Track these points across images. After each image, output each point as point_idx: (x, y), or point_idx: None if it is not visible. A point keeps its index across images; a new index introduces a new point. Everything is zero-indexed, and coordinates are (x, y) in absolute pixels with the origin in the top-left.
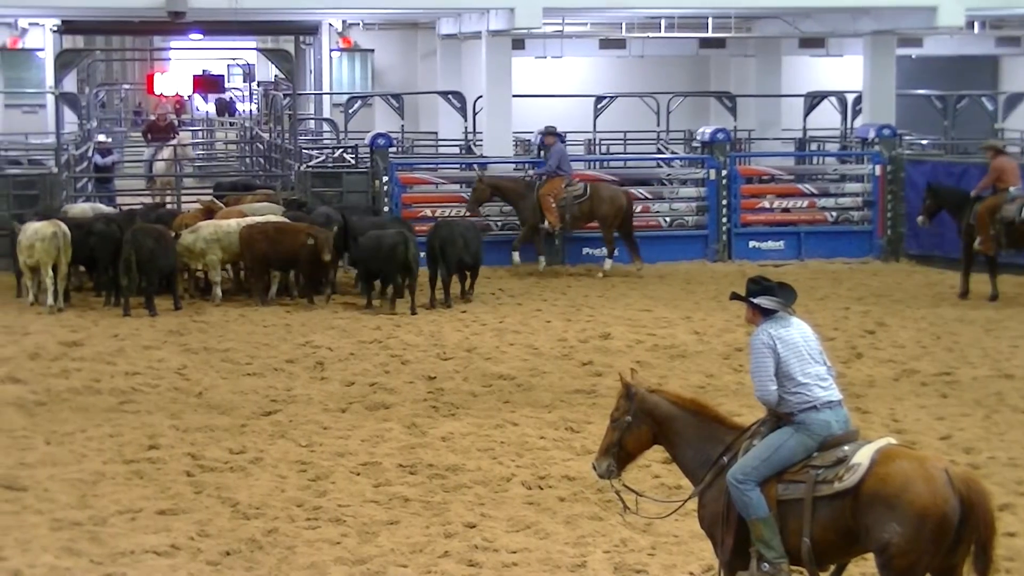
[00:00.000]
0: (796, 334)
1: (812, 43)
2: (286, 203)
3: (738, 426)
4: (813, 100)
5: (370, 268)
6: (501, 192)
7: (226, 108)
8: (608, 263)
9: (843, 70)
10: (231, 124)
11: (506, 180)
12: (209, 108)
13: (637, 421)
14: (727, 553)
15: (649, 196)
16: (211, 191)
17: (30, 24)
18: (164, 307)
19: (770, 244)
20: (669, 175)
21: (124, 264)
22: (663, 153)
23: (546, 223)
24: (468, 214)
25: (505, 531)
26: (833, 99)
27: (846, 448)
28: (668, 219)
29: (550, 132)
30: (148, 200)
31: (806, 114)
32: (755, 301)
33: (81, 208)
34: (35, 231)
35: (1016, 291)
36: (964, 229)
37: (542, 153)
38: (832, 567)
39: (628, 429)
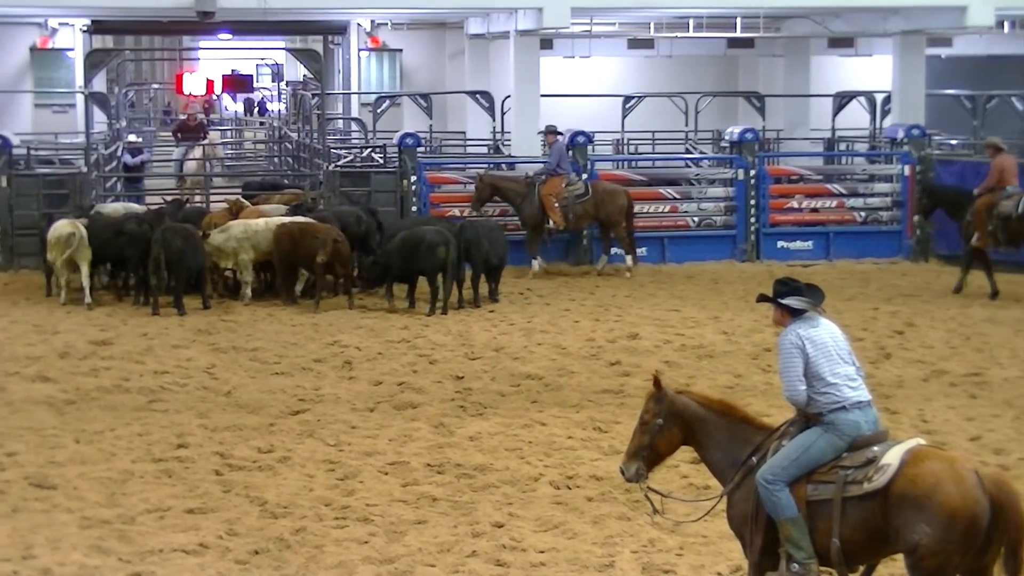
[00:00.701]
0: (825, 334)
1: (841, 43)
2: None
3: (767, 427)
4: (842, 100)
5: (410, 268)
6: (501, 192)
7: (257, 108)
8: (603, 260)
9: (872, 70)
10: (260, 124)
11: (507, 180)
12: (238, 108)
13: (668, 423)
14: (756, 553)
15: (677, 196)
16: (239, 190)
17: (60, 24)
18: (193, 306)
19: (798, 244)
20: (697, 175)
21: (153, 263)
22: (691, 153)
23: (550, 223)
24: (473, 213)
25: (533, 531)
26: (862, 99)
27: (876, 449)
28: (696, 219)
29: (551, 131)
30: (173, 197)
31: (835, 114)
32: (783, 302)
33: (113, 207)
34: (53, 230)
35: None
36: (963, 227)
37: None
38: (861, 568)
39: (659, 431)
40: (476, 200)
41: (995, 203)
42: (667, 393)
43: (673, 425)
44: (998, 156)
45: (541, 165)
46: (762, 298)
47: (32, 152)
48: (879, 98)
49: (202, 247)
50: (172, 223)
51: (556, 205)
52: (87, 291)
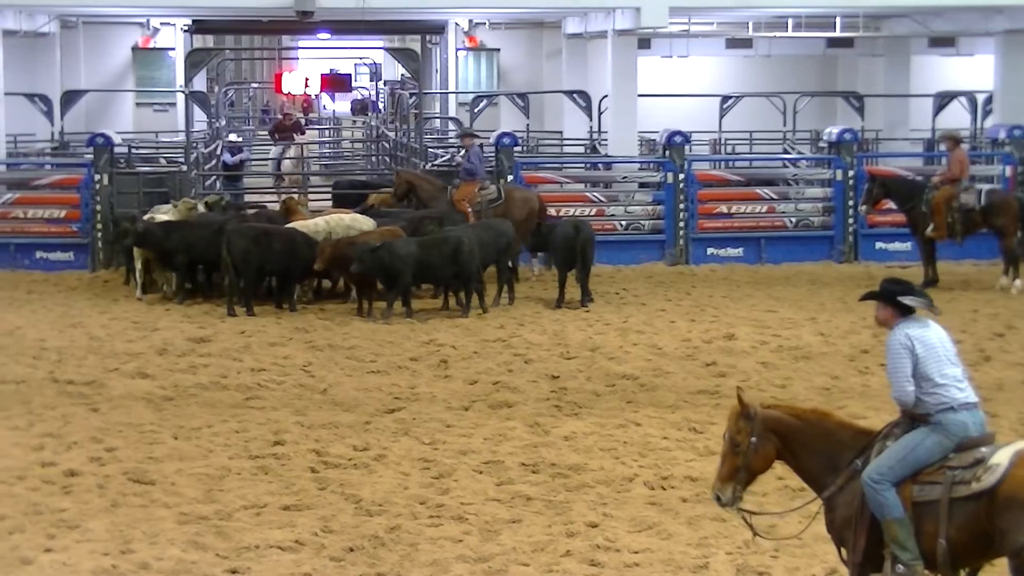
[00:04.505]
0: (933, 335)
1: (942, 42)
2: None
3: (866, 430)
4: (942, 100)
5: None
6: (415, 190)
7: (365, 108)
8: (535, 264)
9: (974, 69)
10: (360, 123)
11: (422, 179)
12: (337, 107)
13: (762, 440)
14: (859, 554)
15: (775, 196)
16: (331, 190)
17: (162, 24)
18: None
19: (897, 245)
20: (795, 175)
21: (223, 264)
22: (789, 153)
23: None
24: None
25: (627, 531)
26: (963, 99)
27: (984, 450)
28: (794, 220)
29: (467, 133)
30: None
31: (935, 114)
32: (901, 299)
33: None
34: None
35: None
36: (913, 218)
37: (461, 153)
38: (964, 571)
39: (754, 450)
40: (394, 195)
41: (954, 195)
42: (756, 409)
43: (767, 441)
44: (957, 149)
45: (636, 165)
46: (868, 296)
47: (133, 150)
48: (980, 98)
49: (279, 248)
50: (240, 224)
51: (469, 210)
52: (139, 284)
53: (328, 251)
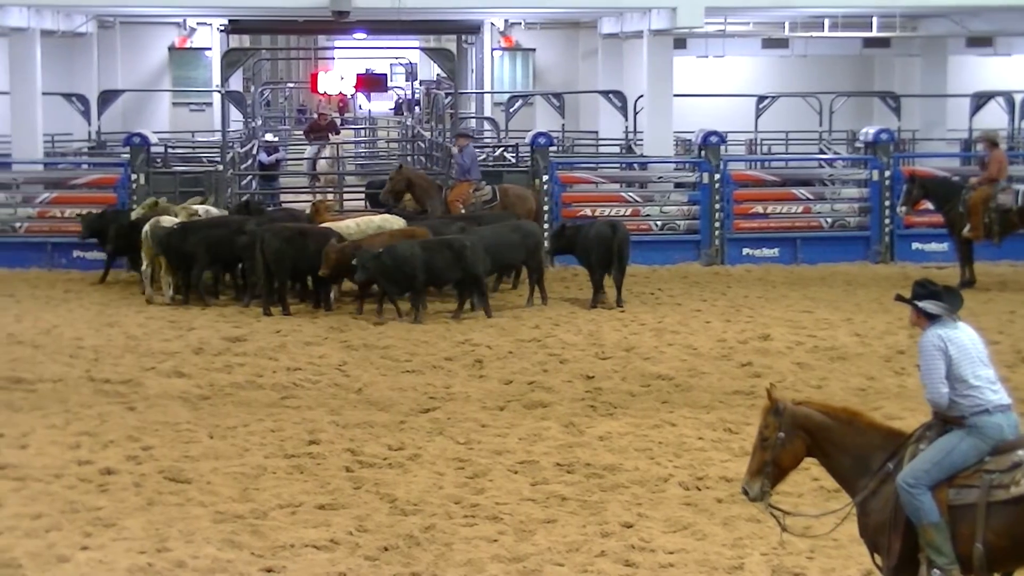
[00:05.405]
0: (965, 337)
1: (980, 42)
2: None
3: (898, 432)
4: (980, 100)
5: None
6: (412, 188)
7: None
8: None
9: (1012, 69)
10: (397, 123)
11: (421, 178)
12: (373, 107)
13: (790, 436)
14: (894, 559)
15: (811, 197)
16: (365, 189)
17: (198, 24)
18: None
19: (933, 246)
20: (831, 176)
21: (255, 264)
22: (825, 153)
23: None
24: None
25: (662, 531)
26: (1000, 99)
27: (1021, 453)
28: (829, 220)
29: (461, 133)
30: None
31: (972, 114)
32: (920, 305)
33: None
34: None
35: None
36: (951, 218)
37: (455, 153)
38: (999, 575)
39: (781, 445)
40: (389, 191)
41: (991, 196)
42: (785, 405)
43: (795, 437)
44: (995, 150)
45: (672, 165)
46: (899, 298)
47: (169, 150)
48: (1018, 98)
49: (316, 248)
50: (277, 224)
51: (463, 210)
52: (148, 285)
53: (333, 256)
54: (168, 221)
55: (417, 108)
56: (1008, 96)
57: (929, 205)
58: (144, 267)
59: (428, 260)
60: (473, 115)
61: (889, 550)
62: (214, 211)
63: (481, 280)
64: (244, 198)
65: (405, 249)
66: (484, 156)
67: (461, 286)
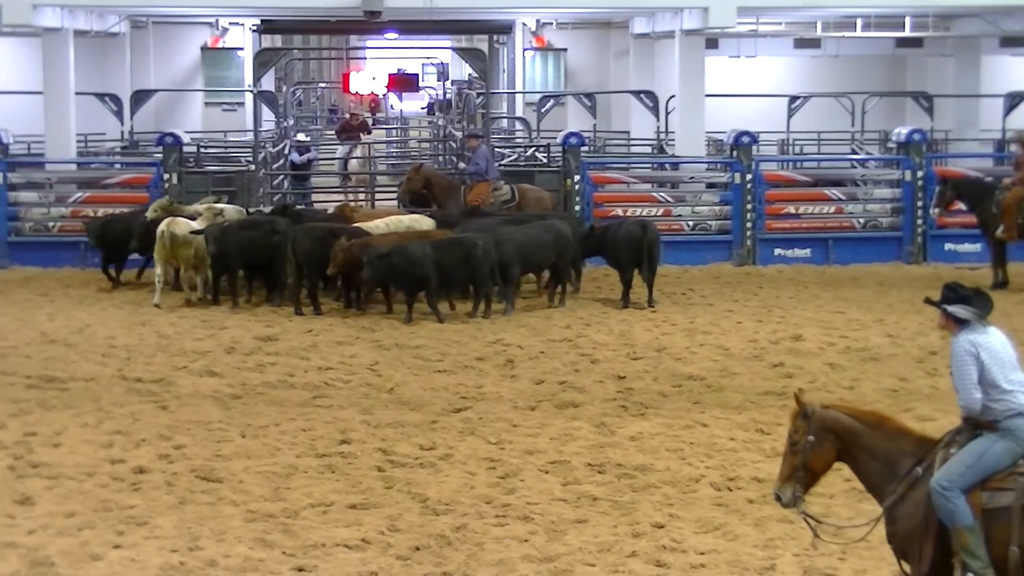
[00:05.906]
0: (995, 341)
1: (1013, 42)
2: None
3: (927, 438)
4: (1013, 100)
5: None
6: (431, 188)
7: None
8: None
9: None
10: (428, 123)
11: (440, 177)
12: (405, 107)
13: (819, 439)
14: (926, 564)
15: (843, 197)
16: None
17: (230, 24)
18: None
19: (966, 247)
20: (864, 176)
21: (287, 264)
22: (858, 154)
23: None
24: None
25: (693, 532)
26: None
27: None
28: (862, 220)
29: (472, 135)
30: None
31: (1006, 114)
32: (949, 309)
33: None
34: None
35: None
36: (984, 219)
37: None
38: None
39: (811, 449)
40: (407, 191)
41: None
42: (814, 409)
43: (824, 440)
44: None
45: (704, 166)
46: (928, 301)
47: (202, 150)
48: None
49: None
50: (307, 224)
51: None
52: (158, 290)
53: (340, 256)
54: (183, 223)
55: (449, 108)
56: None
57: (962, 205)
58: (158, 271)
59: (438, 260)
60: (505, 115)
61: (921, 555)
62: (230, 209)
63: (487, 282)
64: (281, 201)
65: (414, 249)
66: (516, 156)
67: (476, 285)
